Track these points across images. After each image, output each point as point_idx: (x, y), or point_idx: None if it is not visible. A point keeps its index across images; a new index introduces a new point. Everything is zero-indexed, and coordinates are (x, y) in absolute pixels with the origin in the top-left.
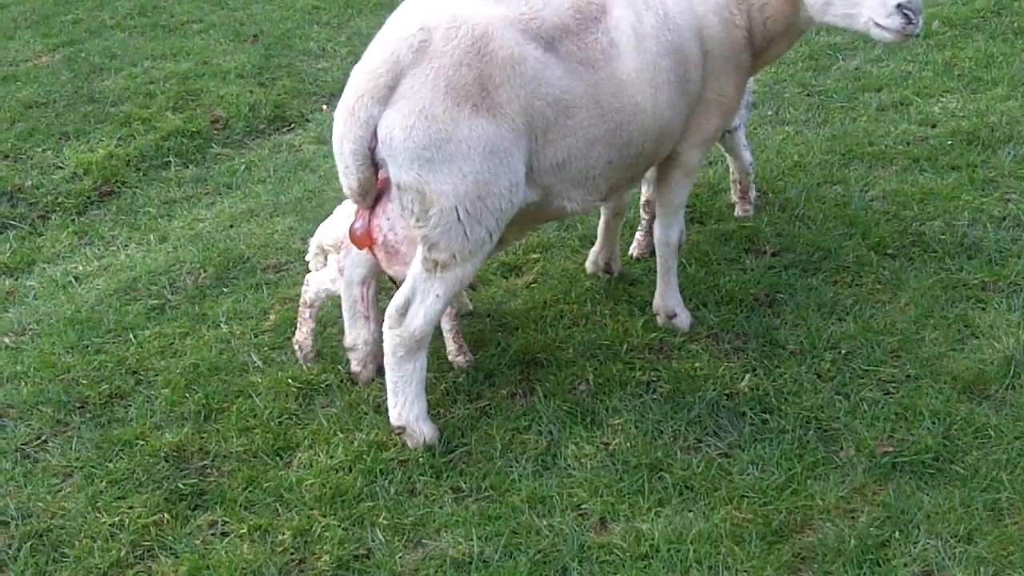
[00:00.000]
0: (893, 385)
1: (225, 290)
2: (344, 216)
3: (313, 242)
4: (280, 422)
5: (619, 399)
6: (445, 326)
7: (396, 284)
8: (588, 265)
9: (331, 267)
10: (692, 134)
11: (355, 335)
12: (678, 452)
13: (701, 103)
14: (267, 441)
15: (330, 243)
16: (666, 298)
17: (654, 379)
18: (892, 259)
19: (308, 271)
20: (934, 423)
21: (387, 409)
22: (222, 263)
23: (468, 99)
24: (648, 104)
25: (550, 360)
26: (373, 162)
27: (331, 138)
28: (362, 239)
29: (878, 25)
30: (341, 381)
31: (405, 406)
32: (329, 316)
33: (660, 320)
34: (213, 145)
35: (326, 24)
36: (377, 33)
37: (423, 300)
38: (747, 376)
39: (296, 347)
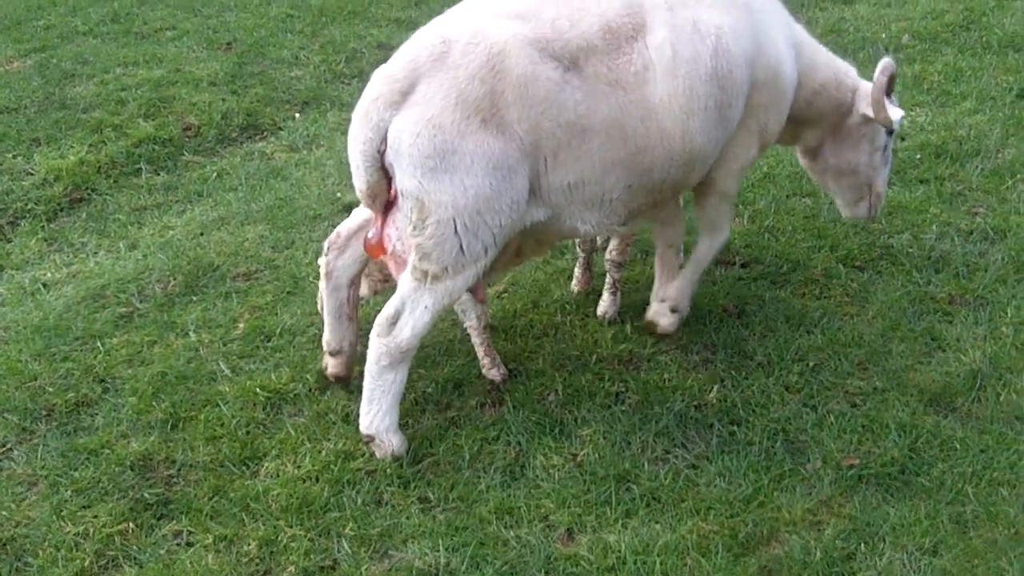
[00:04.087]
0: (860, 397)
1: (194, 298)
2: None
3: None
4: (247, 431)
5: (588, 410)
6: (476, 340)
7: None
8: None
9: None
10: (729, 160)
11: (339, 337)
12: (646, 463)
13: (743, 130)
14: (234, 450)
15: None
16: (681, 294)
17: (623, 390)
18: (860, 272)
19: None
20: (900, 436)
21: (357, 418)
22: (192, 271)
23: (478, 113)
24: (677, 130)
25: (519, 370)
26: (383, 167)
27: (303, 146)
28: (375, 248)
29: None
30: (310, 390)
31: (378, 415)
32: (298, 325)
33: (655, 309)
34: (185, 152)
35: (300, 32)
36: (346, 41)
37: (412, 311)
38: (715, 387)
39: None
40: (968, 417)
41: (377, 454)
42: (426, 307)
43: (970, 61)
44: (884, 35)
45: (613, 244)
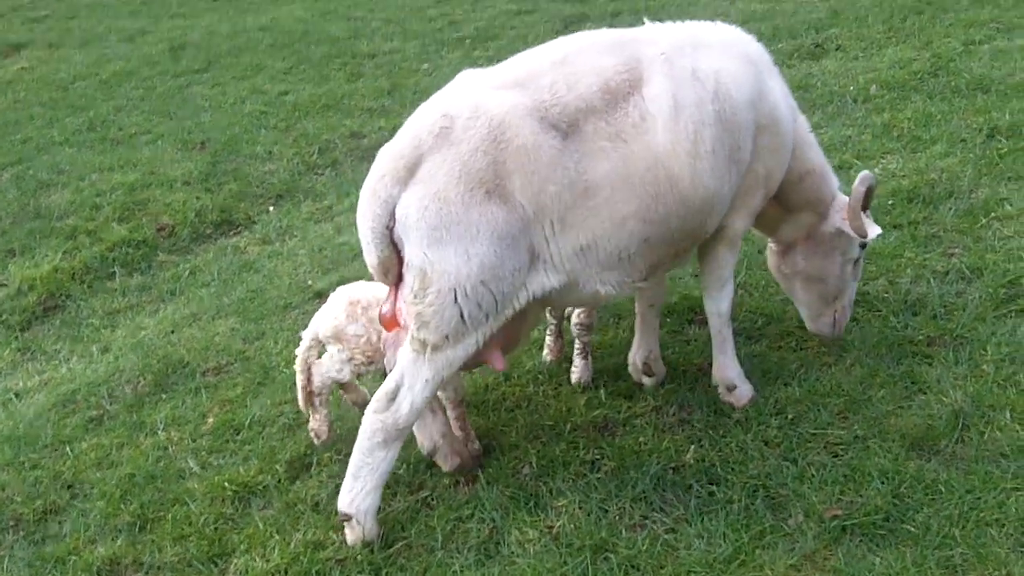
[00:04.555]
0: (841, 447)
1: (164, 396)
2: (337, 305)
3: (307, 335)
4: (216, 527)
5: (563, 480)
6: (451, 413)
7: None
8: (631, 372)
9: (333, 356)
10: (738, 207)
11: (431, 433)
12: (623, 530)
13: (750, 174)
14: (202, 548)
15: (329, 334)
16: (724, 370)
17: (598, 457)
18: None
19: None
20: (883, 483)
21: (328, 504)
22: (161, 369)
23: (481, 185)
24: (685, 175)
25: (492, 445)
26: (392, 241)
27: (276, 238)
28: (389, 321)
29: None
30: (279, 481)
31: (360, 494)
32: (267, 415)
33: (721, 393)
34: (159, 252)
35: (273, 128)
36: (319, 133)
37: (411, 386)
38: (692, 448)
39: (313, 435)
40: (952, 459)
41: (349, 537)
42: (426, 380)
43: (939, 106)
44: (852, 87)
45: (578, 308)
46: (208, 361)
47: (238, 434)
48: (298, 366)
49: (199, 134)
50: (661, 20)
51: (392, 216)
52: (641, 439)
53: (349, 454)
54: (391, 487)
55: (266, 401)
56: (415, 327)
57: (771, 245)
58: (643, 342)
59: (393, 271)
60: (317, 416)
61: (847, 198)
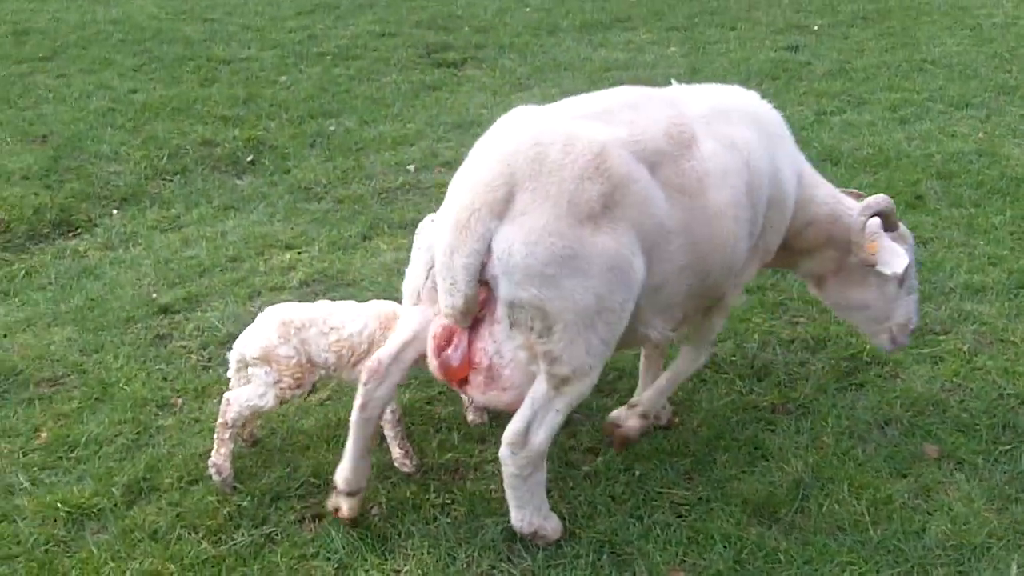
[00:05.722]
0: (685, 508)
1: None
2: (268, 325)
3: (233, 356)
4: (46, 550)
5: (412, 523)
6: (389, 433)
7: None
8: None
9: (259, 380)
10: (741, 276)
11: (361, 476)
12: None
13: (753, 247)
14: (31, 571)
15: (257, 355)
16: (656, 404)
17: (449, 502)
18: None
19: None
20: (725, 547)
21: (165, 535)
22: None
23: (590, 216)
24: (731, 238)
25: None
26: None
27: (119, 245)
28: (459, 368)
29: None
30: (115, 505)
31: (534, 514)
32: (105, 434)
33: (619, 411)
34: None
35: (120, 127)
36: (169, 138)
37: (543, 417)
38: None
39: (213, 471)
40: (792, 528)
41: (542, 544)
42: (557, 410)
43: None
44: None
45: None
46: (43, 371)
47: (73, 451)
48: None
49: (41, 126)
50: (527, 62)
51: (489, 251)
52: (492, 486)
53: (193, 480)
54: (234, 520)
55: (104, 419)
56: (547, 365)
57: (802, 276)
58: (648, 384)
59: (473, 312)
60: (222, 451)
61: (877, 223)
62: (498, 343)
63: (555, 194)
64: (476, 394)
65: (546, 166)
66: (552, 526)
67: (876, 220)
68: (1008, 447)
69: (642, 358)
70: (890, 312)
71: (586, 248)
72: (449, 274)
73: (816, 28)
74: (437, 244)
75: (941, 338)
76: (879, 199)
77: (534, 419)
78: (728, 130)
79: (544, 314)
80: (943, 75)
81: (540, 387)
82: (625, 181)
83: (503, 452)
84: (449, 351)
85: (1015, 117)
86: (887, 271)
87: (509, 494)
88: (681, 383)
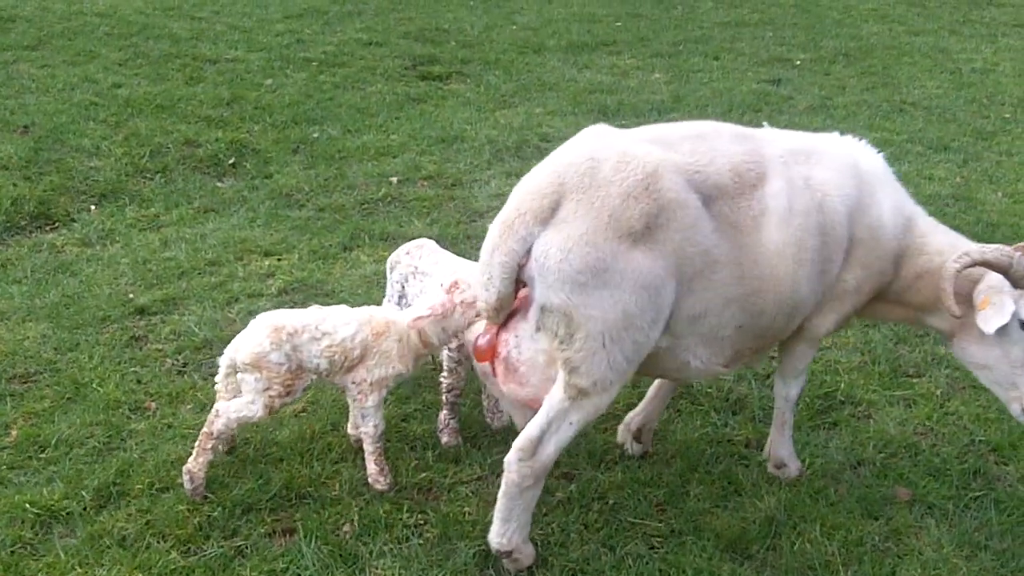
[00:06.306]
0: (658, 539)
1: None
2: (260, 331)
3: (224, 361)
4: (12, 551)
5: (384, 542)
6: (368, 448)
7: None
8: (620, 431)
9: (248, 387)
10: (826, 311)
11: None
12: None
13: (841, 283)
14: None
15: (248, 361)
16: (778, 448)
17: (422, 522)
18: None
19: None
20: None
21: (134, 542)
22: None
23: (630, 233)
24: (788, 278)
25: (314, 497)
26: (517, 279)
27: (97, 241)
28: (485, 352)
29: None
30: (84, 508)
31: (516, 531)
32: (76, 435)
33: (769, 467)
34: None
35: (103, 122)
36: (151, 135)
37: (557, 429)
38: None
39: (186, 477)
40: (764, 566)
41: (511, 568)
42: (571, 423)
43: None
44: None
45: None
46: (15, 367)
47: (43, 452)
48: (221, 396)
49: (22, 116)
50: (512, 80)
51: (528, 254)
52: (466, 508)
53: (164, 488)
54: (204, 531)
55: (76, 419)
56: (566, 373)
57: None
58: (648, 409)
59: (506, 310)
60: (200, 459)
61: (1000, 279)
62: (519, 338)
63: (598, 207)
64: (499, 383)
65: (596, 180)
66: (528, 552)
67: (999, 277)
68: (978, 494)
69: (655, 384)
70: (1015, 377)
71: (619, 263)
72: (487, 270)
73: (799, 62)
74: (485, 242)
75: (915, 381)
76: (985, 249)
77: (548, 428)
78: (804, 171)
79: (569, 320)
80: (922, 117)
81: (557, 395)
82: (672, 205)
83: (510, 457)
84: (481, 339)
85: (991, 163)
86: (982, 326)
87: (499, 504)
88: (790, 420)
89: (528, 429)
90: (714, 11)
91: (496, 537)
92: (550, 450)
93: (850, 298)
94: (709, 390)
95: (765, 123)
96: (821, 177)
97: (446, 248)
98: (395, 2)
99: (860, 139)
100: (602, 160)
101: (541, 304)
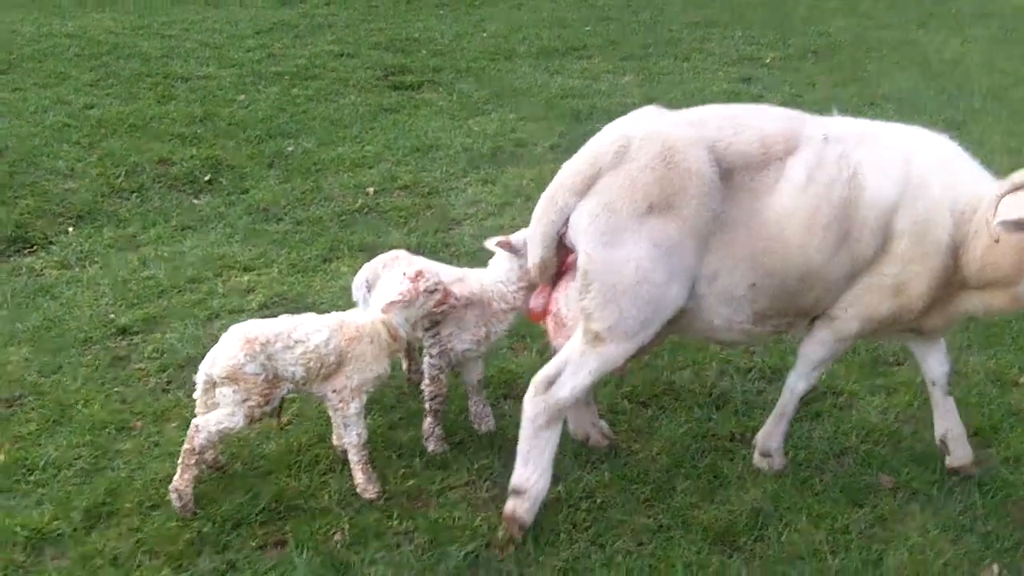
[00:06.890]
0: (647, 535)
1: None
2: (232, 343)
3: (200, 376)
4: (5, 575)
5: (375, 550)
6: (354, 457)
7: None
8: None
9: (227, 399)
10: (854, 304)
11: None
12: None
13: (877, 276)
14: None
15: (224, 375)
16: (768, 437)
17: (411, 529)
18: (645, 408)
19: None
20: (687, 575)
21: (125, 561)
22: None
23: (646, 198)
24: (795, 241)
25: (304, 508)
26: (561, 245)
27: (76, 263)
28: (539, 313)
29: None
30: (75, 530)
31: (533, 475)
32: (63, 457)
33: (755, 457)
34: None
35: (76, 143)
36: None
37: (575, 373)
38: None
39: (173, 495)
40: (752, 556)
41: (518, 509)
42: (589, 371)
43: None
44: None
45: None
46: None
47: (31, 474)
48: (200, 411)
49: None
50: (484, 87)
51: (566, 223)
52: (455, 513)
53: (153, 505)
54: (195, 546)
55: (62, 441)
56: (584, 319)
57: None
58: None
59: (550, 271)
60: (186, 476)
61: None
62: (568, 298)
63: (623, 178)
64: (552, 336)
65: (626, 157)
66: (534, 509)
67: None
68: (961, 478)
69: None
70: None
71: (637, 225)
72: (533, 235)
73: (768, 61)
74: (534, 212)
75: (895, 369)
76: (1015, 176)
77: (564, 368)
78: (842, 148)
79: (586, 273)
80: (893, 110)
81: (576, 338)
82: (688, 174)
83: (527, 394)
84: (535, 300)
85: None
86: (997, 221)
87: (520, 447)
88: (790, 414)
89: (545, 367)
90: (683, 12)
91: (515, 477)
92: (565, 392)
93: (889, 295)
94: (691, 386)
95: (835, 110)
96: (856, 156)
97: (426, 257)
98: (365, 13)
99: (940, 133)
100: (632, 139)
101: (580, 264)
